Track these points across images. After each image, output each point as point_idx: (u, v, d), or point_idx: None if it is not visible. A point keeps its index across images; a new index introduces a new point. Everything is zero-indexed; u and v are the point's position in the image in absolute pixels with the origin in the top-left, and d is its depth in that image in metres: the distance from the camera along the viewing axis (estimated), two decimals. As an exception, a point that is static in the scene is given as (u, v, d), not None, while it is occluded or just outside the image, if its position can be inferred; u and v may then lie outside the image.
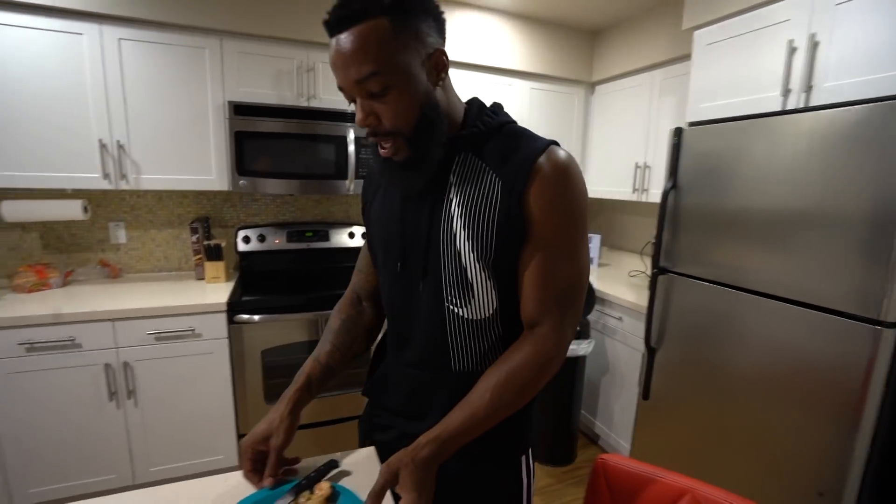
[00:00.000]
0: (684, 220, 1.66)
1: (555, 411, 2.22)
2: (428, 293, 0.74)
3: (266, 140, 2.00)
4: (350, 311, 0.91)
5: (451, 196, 0.71)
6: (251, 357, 1.90)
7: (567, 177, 0.67)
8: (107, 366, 1.73)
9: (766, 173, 1.40)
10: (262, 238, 2.27)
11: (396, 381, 0.83)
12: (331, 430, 2.09)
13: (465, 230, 0.69)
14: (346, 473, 0.75)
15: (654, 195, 2.25)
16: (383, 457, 0.79)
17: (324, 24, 0.63)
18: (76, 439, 1.75)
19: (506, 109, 0.77)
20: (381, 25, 0.60)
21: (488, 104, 0.76)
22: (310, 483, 0.69)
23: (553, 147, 0.69)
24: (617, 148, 2.51)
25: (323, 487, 0.68)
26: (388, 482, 0.63)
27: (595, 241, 2.80)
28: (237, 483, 0.73)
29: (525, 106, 2.58)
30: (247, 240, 2.25)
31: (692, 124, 1.75)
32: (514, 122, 0.75)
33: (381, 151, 0.68)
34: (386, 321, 0.87)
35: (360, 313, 0.91)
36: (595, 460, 0.89)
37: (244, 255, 2.27)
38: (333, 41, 0.62)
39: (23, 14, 1.69)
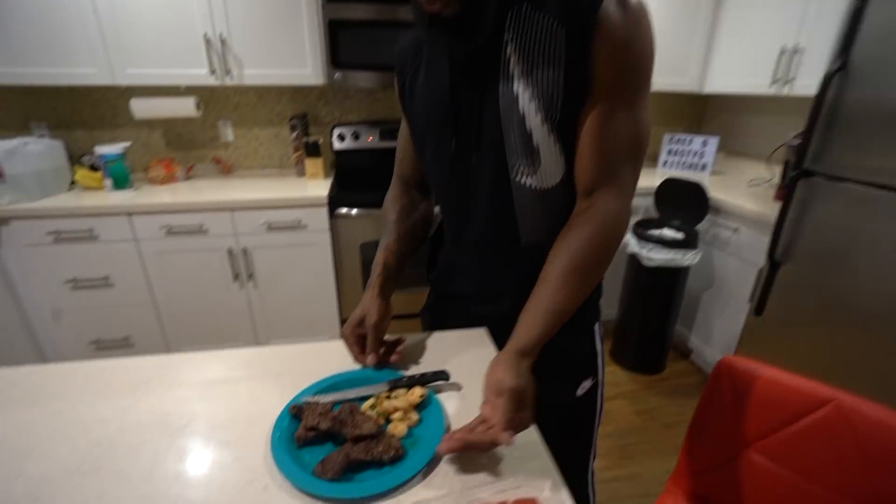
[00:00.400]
0: (848, 113, 1.36)
1: (648, 320, 2.15)
2: (489, 167, 0.70)
3: (359, 29, 1.91)
4: (404, 200, 0.88)
5: (507, 54, 0.64)
6: (351, 250, 2.02)
7: (637, 23, 0.59)
8: (229, 251, 1.93)
9: None
10: (355, 136, 2.29)
11: (464, 267, 0.82)
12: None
13: (527, 89, 0.63)
14: (454, 387, 0.70)
15: (803, 86, 1.87)
16: None
17: None
18: (211, 312, 2.04)
19: None
20: None
21: None
22: (409, 383, 0.67)
23: None
24: (757, 28, 2.07)
25: (416, 393, 0.64)
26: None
27: (712, 145, 2.47)
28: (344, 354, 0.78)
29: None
30: (341, 137, 2.28)
31: (880, -16, 1.36)
32: None
33: (429, 7, 0.59)
34: (439, 208, 0.84)
35: (413, 200, 0.89)
36: (719, 362, 0.83)
37: (339, 154, 2.32)
38: None
39: None
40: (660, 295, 2.10)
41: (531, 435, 0.61)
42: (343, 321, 2.16)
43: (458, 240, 0.81)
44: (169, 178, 2.16)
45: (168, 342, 2.06)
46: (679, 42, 2.30)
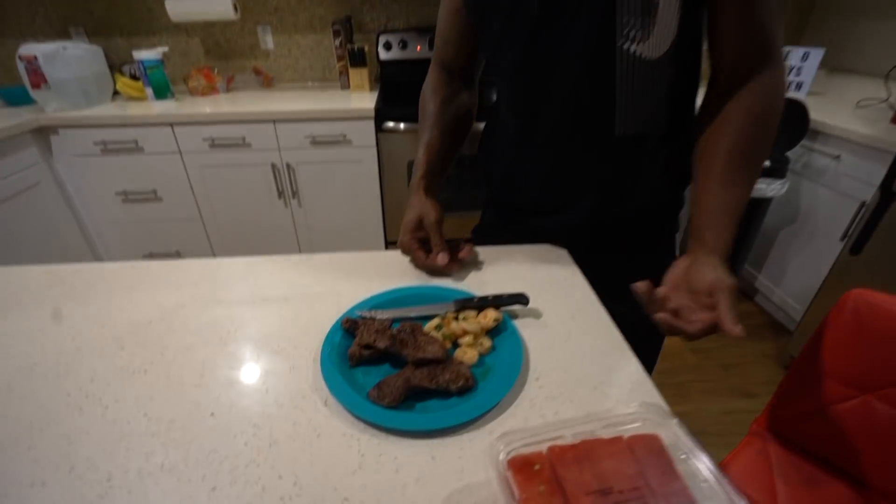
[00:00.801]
0: None
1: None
2: (586, 32, 0.56)
3: None
4: (445, 91, 0.77)
5: None
6: (397, 168, 1.90)
7: None
8: (273, 166, 1.86)
9: None
10: (403, 45, 2.08)
11: (530, 172, 0.71)
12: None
13: None
14: (532, 313, 0.59)
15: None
16: None
17: None
18: (257, 230, 2.02)
19: None
20: None
21: None
22: (480, 304, 0.57)
23: None
24: None
25: (489, 316, 0.54)
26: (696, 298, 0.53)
27: (814, 58, 2.10)
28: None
29: None
30: (388, 46, 2.09)
31: None
32: None
33: None
34: (500, 100, 0.72)
35: (456, 91, 0.78)
36: (845, 295, 0.69)
37: (385, 65, 2.13)
38: None
39: None
40: (732, 229, 1.90)
41: (630, 361, 0.52)
42: (389, 243, 2.11)
43: (527, 139, 0.69)
44: (209, 90, 2.07)
45: (215, 253, 2.09)
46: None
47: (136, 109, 1.80)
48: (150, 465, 0.40)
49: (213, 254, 2.07)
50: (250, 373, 0.51)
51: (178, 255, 2.06)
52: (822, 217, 1.77)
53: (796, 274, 1.90)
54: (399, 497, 0.38)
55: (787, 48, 2.16)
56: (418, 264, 0.68)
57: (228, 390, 0.48)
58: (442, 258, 0.64)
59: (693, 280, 0.51)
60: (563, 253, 0.73)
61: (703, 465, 0.35)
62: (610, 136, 0.62)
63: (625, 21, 0.53)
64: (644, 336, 0.75)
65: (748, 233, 1.89)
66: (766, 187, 1.71)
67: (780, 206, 1.93)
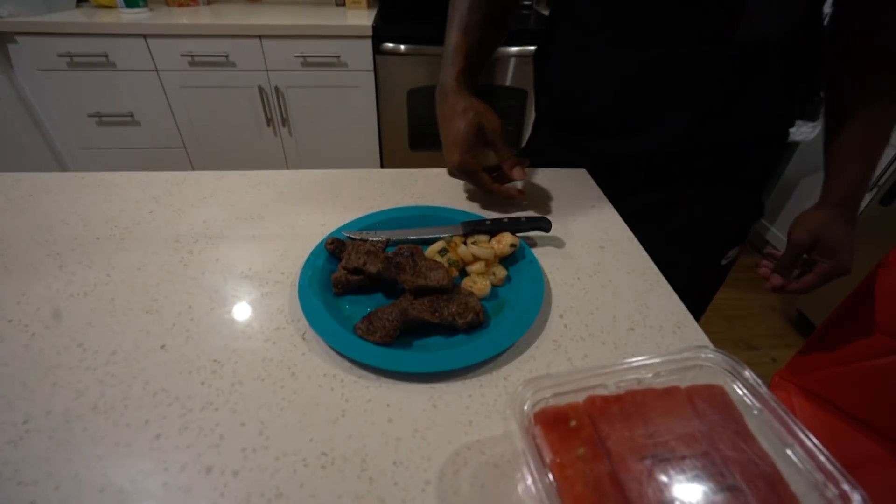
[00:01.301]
0: None
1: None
2: None
3: None
4: None
5: None
6: (397, 96, 1.74)
7: None
8: (260, 88, 1.70)
9: None
10: (404, -47, 1.85)
11: (609, 78, 0.56)
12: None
13: None
14: (553, 241, 0.51)
15: None
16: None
17: None
18: (244, 159, 1.88)
19: None
20: None
21: None
22: (494, 228, 0.48)
23: None
24: None
25: (505, 241, 0.45)
26: (801, 250, 0.58)
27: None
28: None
29: None
30: (387, -45, 1.85)
31: None
32: None
33: None
34: None
35: None
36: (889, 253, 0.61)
37: (384, -22, 1.90)
38: None
39: None
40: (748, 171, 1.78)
41: (671, 299, 0.43)
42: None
43: (612, 34, 0.54)
44: (188, 1, 1.85)
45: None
46: None
47: (104, 17, 1.60)
48: (80, 405, 0.32)
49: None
50: (214, 299, 0.42)
51: (160, 185, 1.93)
52: (849, 165, 1.65)
53: (813, 225, 1.81)
54: (391, 452, 0.30)
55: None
56: (487, 188, 0.54)
57: (185, 318, 0.39)
58: (518, 172, 0.53)
59: (821, 246, 0.56)
60: (584, 175, 0.63)
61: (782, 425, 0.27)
62: (728, 37, 0.49)
63: None
64: (701, 283, 0.70)
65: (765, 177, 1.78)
66: (795, 130, 1.58)
67: (806, 152, 1.81)
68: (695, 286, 0.61)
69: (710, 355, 0.31)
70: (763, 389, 0.28)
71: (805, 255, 0.60)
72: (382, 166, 1.94)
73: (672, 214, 0.63)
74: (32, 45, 1.55)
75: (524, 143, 0.77)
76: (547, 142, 0.70)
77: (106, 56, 1.58)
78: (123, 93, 1.68)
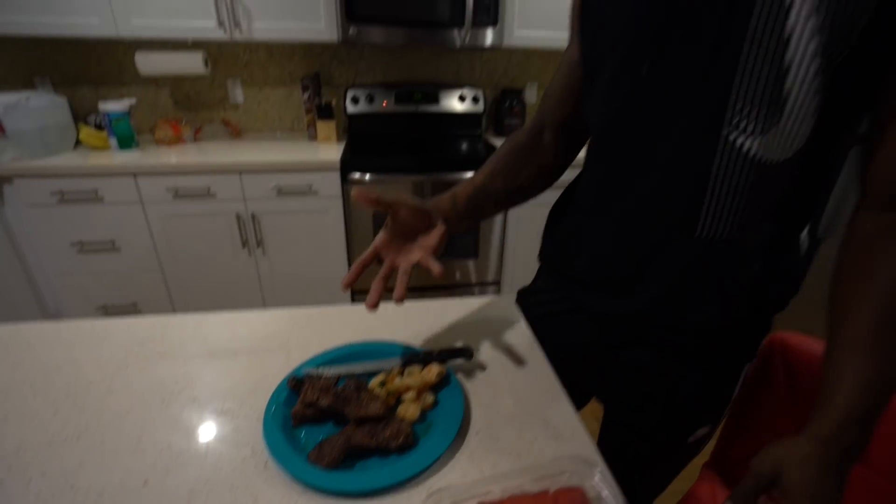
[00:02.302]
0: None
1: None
2: (689, 109, 0.47)
3: (375, -20, 1.78)
4: (524, 139, 0.69)
5: None
6: (364, 219, 1.94)
7: None
8: (238, 216, 1.86)
9: None
10: (370, 99, 2.17)
11: (599, 238, 0.61)
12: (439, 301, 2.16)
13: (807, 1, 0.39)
14: (477, 366, 0.61)
15: None
16: (561, 352, 0.66)
17: None
18: (219, 280, 1.98)
19: None
20: None
21: None
22: (425, 359, 0.58)
23: None
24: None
25: (433, 371, 0.55)
26: (760, 483, 0.42)
27: None
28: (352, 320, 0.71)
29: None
30: (355, 100, 2.17)
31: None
32: None
33: None
34: (588, 157, 0.63)
35: (538, 145, 0.69)
36: (769, 338, 0.74)
37: (353, 118, 2.21)
38: None
39: None
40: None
41: (568, 413, 0.54)
42: (354, 294, 2.10)
43: (607, 204, 0.59)
44: (176, 140, 2.08)
45: (175, 310, 2.02)
46: None
47: (97, 159, 1.78)
48: (73, 541, 0.39)
49: (173, 305, 2.01)
50: (191, 436, 0.50)
51: (135, 307, 1.99)
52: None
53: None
54: (333, 563, 0.37)
55: None
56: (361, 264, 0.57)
57: (166, 456, 0.47)
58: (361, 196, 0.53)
59: (782, 487, 0.42)
60: (511, 305, 0.76)
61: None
62: (689, 233, 0.51)
63: (737, 108, 0.44)
64: (664, 456, 0.69)
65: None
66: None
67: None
68: (654, 457, 0.68)
69: (576, 462, 0.41)
70: (608, 490, 0.38)
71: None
72: (352, 278, 2.07)
73: (651, 377, 0.63)
74: (27, 185, 1.70)
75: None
76: (544, 287, 0.75)
77: (96, 191, 1.74)
78: (107, 222, 1.80)
